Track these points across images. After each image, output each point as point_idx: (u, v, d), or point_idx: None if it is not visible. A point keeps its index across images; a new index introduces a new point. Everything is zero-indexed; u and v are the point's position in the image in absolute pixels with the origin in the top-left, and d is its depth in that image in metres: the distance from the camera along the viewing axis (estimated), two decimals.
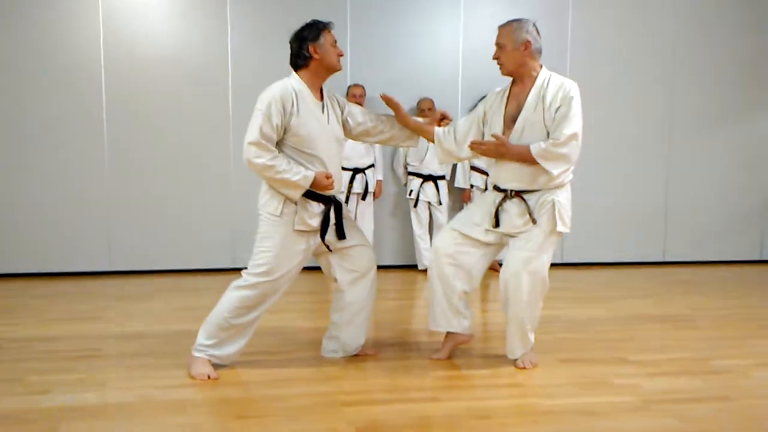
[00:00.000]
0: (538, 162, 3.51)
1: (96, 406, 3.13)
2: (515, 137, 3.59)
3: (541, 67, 3.67)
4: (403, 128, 3.90)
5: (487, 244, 3.78)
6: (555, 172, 3.52)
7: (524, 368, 3.72)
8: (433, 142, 3.90)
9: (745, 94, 7.48)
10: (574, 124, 3.51)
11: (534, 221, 3.60)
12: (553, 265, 3.74)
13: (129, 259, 6.54)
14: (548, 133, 3.55)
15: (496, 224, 3.69)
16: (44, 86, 6.25)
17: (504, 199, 3.68)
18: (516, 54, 3.60)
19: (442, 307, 3.83)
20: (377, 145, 6.70)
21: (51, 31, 6.23)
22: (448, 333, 3.90)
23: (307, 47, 3.54)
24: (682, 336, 4.48)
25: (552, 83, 3.58)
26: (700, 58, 7.34)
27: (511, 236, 3.70)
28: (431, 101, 6.68)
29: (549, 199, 3.60)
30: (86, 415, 3.03)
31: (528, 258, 3.61)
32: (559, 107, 3.52)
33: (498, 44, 3.65)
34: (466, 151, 3.81)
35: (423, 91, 6.79)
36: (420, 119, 4.05)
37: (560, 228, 3.62)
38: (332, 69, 3.63)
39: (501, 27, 3.67)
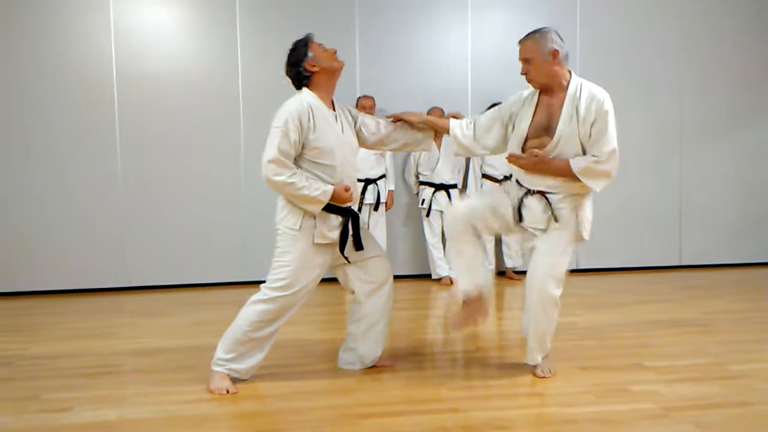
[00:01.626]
0: (580, 179, 3.49)
1: (115, 423, 3.14)
2: (549, 150, 3.54)
3: (570, 73, 3.60)
4: (416, 134, 3.90)
5: (506, 222, 3.75)
6: (598, 189, 3.52)
7: (543, 377, 3.70)
8: (447, 133, 3.87)
9: (757, 97, 7.46)
10: (613, 140, 3.47)
11: (556, 219, 3.58)
12: (568, 271, 3.73)
13: (143, 274, 6.57)
14: (581, 144, 3.51)
15: (519, 219, 3.67)
16: (57, 104, 6.31)
17: (526, 195, 3.66)
18: (545, 65, 3.53)
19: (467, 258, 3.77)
20: (388, 156, 6.72)
21: (63, 50, 6.30)
22: (463, 302, 3.82)
23: (303, 67, 3.57)
24: (700, 341, 4.45)
25: (584, 93, 3.51)
26: (710, 61, 7.34)
27: (532, 233, 3.67)
28: (441, 110, 6.67)
29: (572, 204, 3.60)
30: None
31: (553, 264, 3.59)
32: (594, 122, 3.46)
33: (524, 59, 3.58)
34: (483, 148, 3.80)
35: (432, 101, 6.80)
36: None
37: (584, 234, 3.64)
38: (335, 70, 3.64)
39: (523, 41, 3.59)
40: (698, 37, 7.30)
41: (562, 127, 3.52)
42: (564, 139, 3.52)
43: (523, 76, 3.63)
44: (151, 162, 6.52)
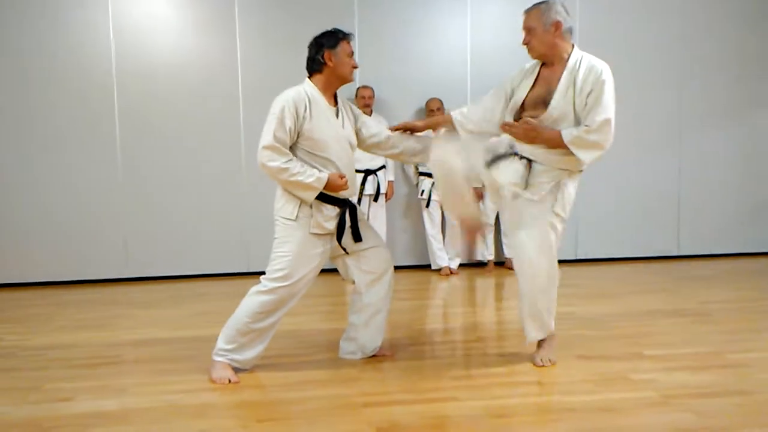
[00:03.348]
0: (571, 150, 3.45)
1: (117, 413, 3.15)
2: (548, 122, 3.52)
3: (573, 47, 3.58)
4: (415, 145, 3.90)
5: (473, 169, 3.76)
6: (587, 159, 3.46)
7: (542, 366, 3.71)
8: (453, 127, 3.86)
9: (755, 88, 7.46)
10: (607, 110, 3.41)
11: (525, 186, 3.55)
12: (566, 261, 3.75)
13: (143, 266, 6.58)
14: (576, 117, 3.49)
15: (490, 165, 3.66)
16: (57, 97, 6.31)
17: (512, 156, 3.63)
18: (546, 36, 3.52)
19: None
20: None
21: (63, 45, 6.30)
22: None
23: (322, 53, 3.57)
24: (698, 330, 4.47)
25: (583, 65, 3.49)
26: (708, 52, 7.33)
27: (505, 203, 3.67)
28: (440, 101, 6.69)
29: (554, 180, 3.56)
30: (108, 422, 3.05)
31: (534, 236, 3.57)
32: (590, 92, 3.44)
33: (527, 28, 3.57)
34: (491, 124, 3.76)
35: (432, 91, 6.80)
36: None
37: (557, 209, 3.57)
38: (344, 79, 3.65)
39: (528, 11, 3.59)
40: (697, 27, 7.29)
41: (557, 98, 3.50)
42: (558, 111, 3.50)
43: (525, 46, 3.62)
44: (150, 154, 6.52)
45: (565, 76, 3.51)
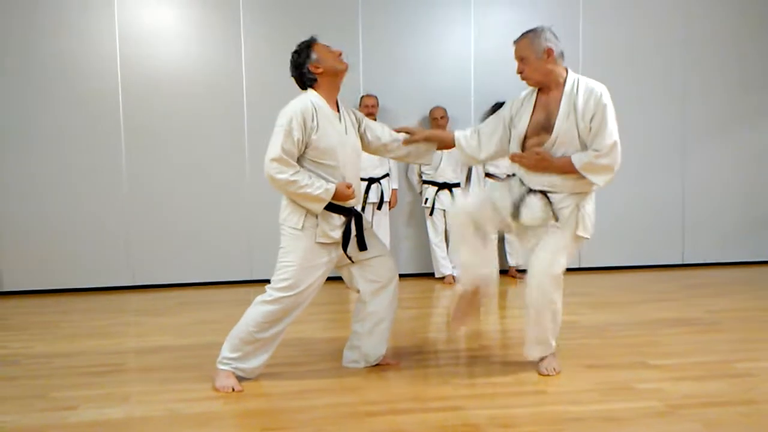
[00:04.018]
0: (583, 175, 3.50)
1: (121, 421, 3.15)
2: (547, 147, 3.56)
3: (567, 71, 3.62)
4: (419, 145, 3.92)
5: (503, 218, 3.76)
6: (601, 183, 3.52)
7: (547, 375, 3.70)
8: (453, 146, 3.90)
9: (759, 98, 7.46)
10: (613, 133, 3.47)
11: (556, 218, 3.59)
12: (571, 270, 3.74)
13: (148, 273, 6.59)
14: (580, 140, 3.52)
15: (516, 215, 3.67)
16: (62, 103, 6.33)
17: (528, 193, 3.66)
18: (540, 63, 3.56)
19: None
20: None
21: (68, 51, 6.32)
22: (460, 296, 3.83)
23: (307, 69, 3.58)
24: (704, 339, 4.45)
25: (581, 88, 3.52)
26: (712, 63, 7.34)
27: (532, 233, 3.67)
28: (444, 109, 6.70)
29: (573, 203, 3.60)
30: (112, 431, 3.05)
31: (551, 262, 3.59)
32: (593, 116, 3.47)
33: (519, 58, 3.61)
34: (487, 155, 3.82)
35: (436, 100, 6.81)
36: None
37: (581, 232, 3.62)
38: (339, 72, 3.64)
39: (517, 41, 3.63)
40: (701, 38, 7.29)
41: (559, 123, 3.53)
42: (562, 136, 3.53)
43: (519, 75, 3.65)
44: (155, 161, 6.53)
45: (565, 101, 3.54)
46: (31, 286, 6.40)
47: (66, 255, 6.42)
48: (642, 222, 7.33)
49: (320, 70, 3.58)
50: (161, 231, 6.57)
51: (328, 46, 3.64)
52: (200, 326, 5.00)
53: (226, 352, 3.59)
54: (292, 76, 3.67)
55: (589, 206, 3.67)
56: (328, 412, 3.21)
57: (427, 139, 3.93)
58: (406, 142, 3.89)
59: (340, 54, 3.65)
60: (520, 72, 3.63)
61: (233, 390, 3.49)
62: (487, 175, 6.80)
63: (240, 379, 3.58)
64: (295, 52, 3.63)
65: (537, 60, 3.56)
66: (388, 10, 6.86)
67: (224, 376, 3.55)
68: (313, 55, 3.58)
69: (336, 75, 3.64)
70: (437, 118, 6.62)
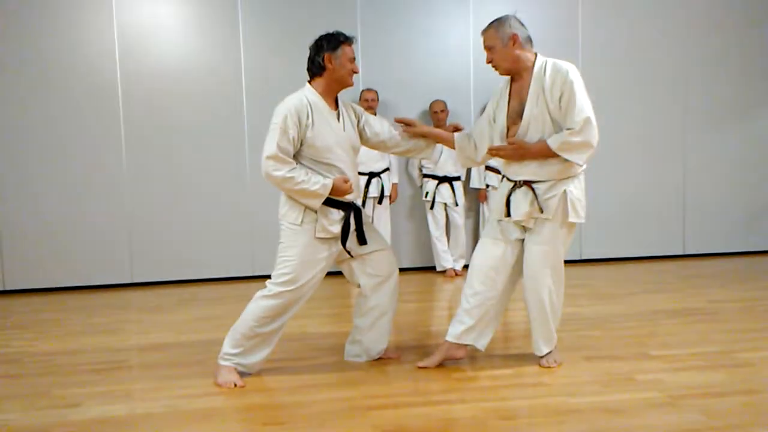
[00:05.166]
0: (561, 155, 3.46)
1: (124, 418, 3.16)
2: (522, 133, 3.56)
3: (536, 55, 3.62)
4: (418, 140, 3.92)
5: (516, 240, 3.74)
6: (580, 161, 3.49)
7: (548, 367, 3.71)
8: (453, 148, 3.92)
9: (760, 88, 7.44)
10: (584, 108, 3.43)
11: (541, 210, 3.57)
12: (571, 261, 3.74)
13: (149, 270, 6.59)
14: (553, 122, 3.50)
15: (507, 213, 3.67)
16: (62, 101, 6.32)
17: (513, 189, 3.66)
18: (506, 51, 3.58)
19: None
20: None
21: (67, 49, 6.31)
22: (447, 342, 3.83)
23: (322, 56, 3.56)
24: (704, 329, 4.46)
25: (548, 69, 3.52)
26: (713, 52, 7.32)
27: (526, 228, 3.68)
28: (444, 103, 6.69)
29: (560, 190, 3.57)
30: (115, 427, 3.06)
31: (545, 252, 3.60)
32: (561, 95, 3.46)
33: (487, 47, 3.65)
34: (483, 155, 3.82)
35: (435, 93, 6.80)
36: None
37: (572, 218, 3.58)
38: (343, 84, 3.64)
39: (484, 32, 3.67)
40: (701, 28, 7.27)
41: (529, 107, 3.54)
42: (534, 120, 3.53)
43: (489, 64, 3.69)
44: (155, 158, 6.53)
45: (533, 84, 3.55)
46: (33, 285, 6.41)
47: (67, 253, 6.42)
48: (643, 212, 7.33)
49: (330, 67, 3.57)
50: (162, 227, 6.57)
51: (353, 57, 3.63)
52: (201, 323, 5.01)
53: (227, 347, 3.60)
54: (309, 55, 3.63)
55: (577, 191, 3.61)
56: (329, 407, 3.22)
57: (427, 136, 3.93)
58: (406, 131, 3.88)
59: (355, 72, 3.65)
60: (489, 61, 3.67)
61: (235, 385, 3.50)
62: (488, 168, 6.80)
63: (241, 374, 3.59)
64: (326, 36, 3.59)
65: (503, 48, 3.59)
66: (387, 4, 6.84)
67: (226, 371, 3.56)
68: (338, 51, 3.56)
69: (338, 83, 3.63)
70: (437, 112, 6.62)
